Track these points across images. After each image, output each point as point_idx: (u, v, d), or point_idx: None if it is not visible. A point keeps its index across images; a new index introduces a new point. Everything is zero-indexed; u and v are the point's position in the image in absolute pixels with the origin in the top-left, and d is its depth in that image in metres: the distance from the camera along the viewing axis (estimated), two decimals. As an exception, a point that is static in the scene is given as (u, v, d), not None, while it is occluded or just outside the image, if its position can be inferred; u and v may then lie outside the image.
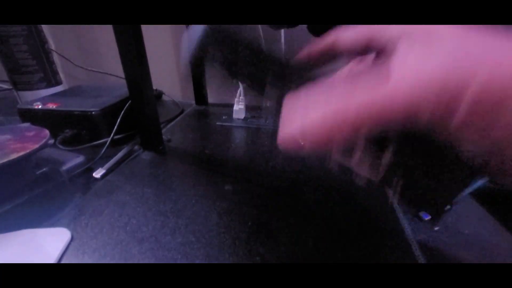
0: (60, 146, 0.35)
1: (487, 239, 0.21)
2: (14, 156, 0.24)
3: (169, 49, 0.62)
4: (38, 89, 0.46)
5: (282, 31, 0.51)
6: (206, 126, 0.46)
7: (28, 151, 0.25)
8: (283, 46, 0.54)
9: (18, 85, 0.45)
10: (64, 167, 0.30)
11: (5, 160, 0.23)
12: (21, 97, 0.47)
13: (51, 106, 0.38)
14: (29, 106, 0.38)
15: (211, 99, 0.60)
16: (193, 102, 0.59)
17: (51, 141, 0.30)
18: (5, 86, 0.62)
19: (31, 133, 0.29)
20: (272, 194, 0.27)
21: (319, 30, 0.39)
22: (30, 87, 0.46)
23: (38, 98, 0.41)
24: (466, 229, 0.22)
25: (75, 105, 0.38)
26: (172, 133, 0.42)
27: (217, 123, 0.46)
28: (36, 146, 0.26)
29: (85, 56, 0.66)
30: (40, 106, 0.37)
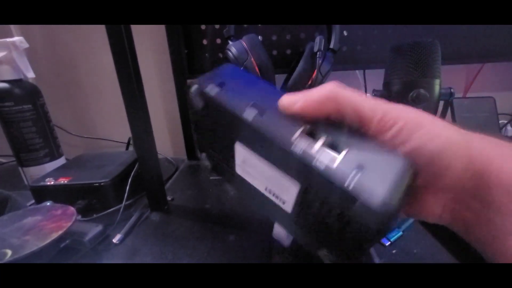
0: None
1: (430, 256, 0.29)
2: (55, 235, 0.28)
3: (158, 106, 0.69)
4: (42, 163, 0.50)
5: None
6: (201, 181, 0.52)
7: (64, 229, 0.29)
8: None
9: (24, 162, 0.49)
10: (87, 238, 0.34)
11: (49, 240, 0.27)
12: (26, 172, 0.50)
13: (63, 181, 0.42)
14: (43, 183, 0.42)
15: (200, 153, 0.67)
16: (185, 157, 0.65)
17: (79, 217, 0.34)
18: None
19: (58, 212, 0.33)
20: (270, 238, 0.33)
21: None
22: (35, 163, 0.50)
23: (48, 173, 0.45)
24: (414, 249, 0.29)
25: (85, 178, 0.43)
26: (173, 192, 0.47)
27: (211, 178, 0.53)
28: (70, 223, 0.30)
29: (78, 123, 0.72)
30: (53, 182, 0.42)
